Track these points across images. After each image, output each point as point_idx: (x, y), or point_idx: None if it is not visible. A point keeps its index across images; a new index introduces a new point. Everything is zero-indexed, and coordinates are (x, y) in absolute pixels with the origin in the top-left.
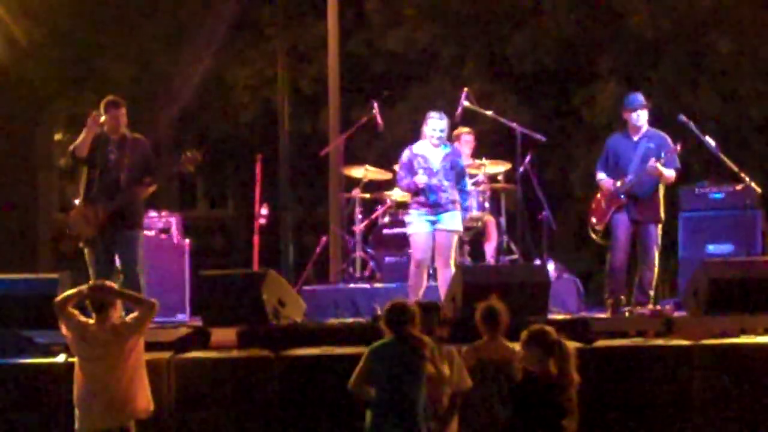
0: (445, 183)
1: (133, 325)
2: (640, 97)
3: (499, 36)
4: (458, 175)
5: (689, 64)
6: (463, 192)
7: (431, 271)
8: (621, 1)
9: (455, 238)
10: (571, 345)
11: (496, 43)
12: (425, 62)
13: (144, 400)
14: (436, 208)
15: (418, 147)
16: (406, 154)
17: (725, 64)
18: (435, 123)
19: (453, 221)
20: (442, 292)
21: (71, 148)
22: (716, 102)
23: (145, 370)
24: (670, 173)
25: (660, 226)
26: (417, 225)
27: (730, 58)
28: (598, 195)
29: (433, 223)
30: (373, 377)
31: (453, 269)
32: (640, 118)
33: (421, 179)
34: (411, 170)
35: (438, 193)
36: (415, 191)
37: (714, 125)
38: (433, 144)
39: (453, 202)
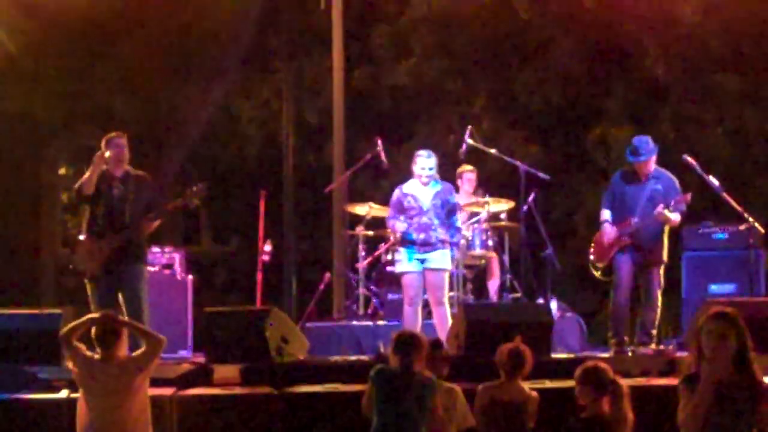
0: (435, 222)
1: (141, 361)
2: (645, 147)
3: (507, 73)
4: (449, 211)
5: (697, 103)
6: (452, 228)
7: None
8: (630, 40)
9: (446, 276)
10: (625, 383)
11: (503, 81)
12: (432, 98)
13: None
14: (425, 246)
15: (408, 186)
16: (396, 194)
17: (732, 103)
18: (423, 161)
19: (442, 260)
20: (439, 330)
21: (76, 186)
22: (722, 141)
23: (150, 410)
24: (676, 218)
25: (663, 267)
26: (406, 264)
27: (738, 97)
28: (600, 233)
29: (422, 261)
30: (373, 401)
31: (447, 307)
32: (647, 167)
33: (400, 227)
34: (401, 210)
35: (428, 231)
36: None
37: (720, 165)
38: (423, 182)
39: (442, 241)
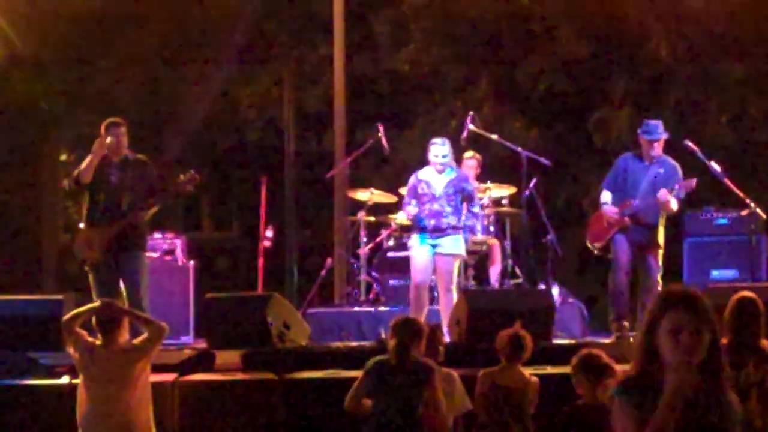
0: (447, 208)
1: (142, 348)
2: (660, 128)
3: (510, 59)
4: (467, 198)
5: (700, 89)
6: (470, 213)
7: (435, 294)
8: (635, 25)
9: (456, 263)
10: (619, 368)
11: (506, 66)
12: (434, 84)
13: (146, 425)
14: (436, 232)
15: (423, 173)
16: (411, 180)
17: (736, 88)
18: (437, 149)
19: (453, 246)
20: (444, 316)
21: (75, 173)
22: (724, 127)
23: (150, 395)
24: (675, 204)
25: (660, 251)
26: (417, 248)
27: (741, 82)
28: (599, 213)
29: (433, 247)
30: (370, 394)
31: (454, 293)
32: (656, 148)
33: (411, 210)
34: (415, 195)
35: (439, 218)
36: (412, 218)
37: (722, 151)
38: (437, 170)
39: (454, 227)
